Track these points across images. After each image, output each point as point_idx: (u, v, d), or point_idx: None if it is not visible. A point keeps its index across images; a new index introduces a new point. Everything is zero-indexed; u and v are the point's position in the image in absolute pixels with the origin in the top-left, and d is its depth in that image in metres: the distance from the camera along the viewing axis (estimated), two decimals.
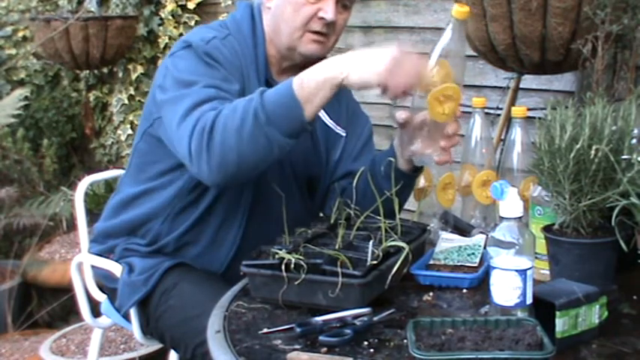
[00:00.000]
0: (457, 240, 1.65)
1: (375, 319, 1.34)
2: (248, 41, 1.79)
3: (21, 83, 4.58)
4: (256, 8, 1.83)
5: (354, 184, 1.62)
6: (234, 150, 1.52)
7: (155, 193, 1.85)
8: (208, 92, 1.61)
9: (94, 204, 3.61)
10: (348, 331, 1.29)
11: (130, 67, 4.29)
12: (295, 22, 1.75)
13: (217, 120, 1.53)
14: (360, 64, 1.50)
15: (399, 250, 1.48)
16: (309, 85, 1.51)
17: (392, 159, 1.70)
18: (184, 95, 1.62)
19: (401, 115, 1.61)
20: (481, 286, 1.51)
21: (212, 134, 1.52)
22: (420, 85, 1.53)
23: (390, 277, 1.43)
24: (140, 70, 4.28)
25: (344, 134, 1.92)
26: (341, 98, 1.94)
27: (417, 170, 1.75)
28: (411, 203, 1.85)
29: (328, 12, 1.73)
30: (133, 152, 1.93)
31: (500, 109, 2.66)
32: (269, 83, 1.78)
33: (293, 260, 1.40)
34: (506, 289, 1.31)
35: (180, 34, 4.11)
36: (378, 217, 1.56)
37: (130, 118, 4.35)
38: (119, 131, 4.39)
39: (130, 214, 1.91)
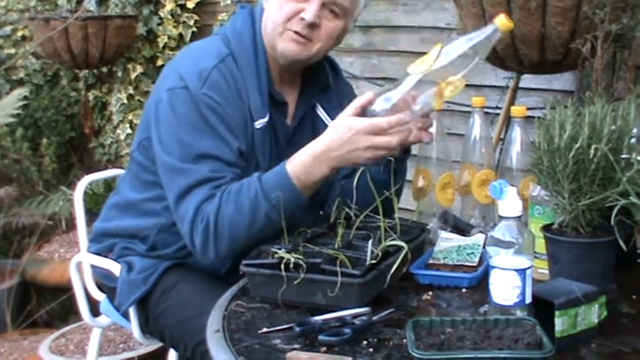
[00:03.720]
0: (456, 239, 1.65)
1: (375, 318, 1.35)
2: (249, 51, 1.77)
3: (20, 83, 4.57)
4: (257, 13, 1.83)
5: (355, 183, 1.61)
6: (243, 239, 1.64)
7: (149, 204, 1.85)
8: (202, 173, 1.66)
9: (93, 203, 3.60)
10: (347, 330, 1.29)
11: (130, 66, 4.28)
12: (278, 18, 1.75)
13: (220, 218, 1.63)
14: (345, 160, 1.61)
15: (399, 249, 1.47)
16: (308, 180, 1.62)
17: None
18: (180, 171, 1.68)
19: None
20: (480, 285, 1.51)
21: (217, 231, 1.63)
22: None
23: (389, 277, 1.43)
24: (139, 69, 4.27)
25: None
26: (341, 98, 1.94)
27: (405, 152, 1.73)
28: (410, 203, 1.85)
29: (308, 13, 1.72)
30: (130, 156, 1.93)
31: (500, 108, 2.66)
32: (272, 96, 1.78)
33: (292, 260, 1.40)
34: (506, 289, 1.31)
35: (180, 34, 4.11)
36: (378, 217, 1.56)
37: (130, 117, 4.34)
38: (118, 130, 4.38)
39: (126, 221, 1.91)
